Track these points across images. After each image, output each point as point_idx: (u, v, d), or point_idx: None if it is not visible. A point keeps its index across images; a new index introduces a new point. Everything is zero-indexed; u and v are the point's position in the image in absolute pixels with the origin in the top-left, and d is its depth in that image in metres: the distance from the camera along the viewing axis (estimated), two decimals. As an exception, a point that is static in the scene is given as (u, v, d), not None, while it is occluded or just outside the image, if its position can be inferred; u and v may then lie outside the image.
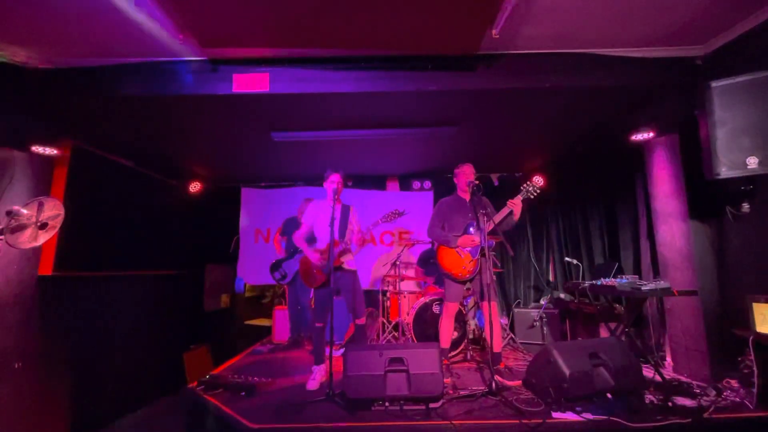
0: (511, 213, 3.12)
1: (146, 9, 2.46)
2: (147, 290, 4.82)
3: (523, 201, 3.14)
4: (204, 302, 5.76)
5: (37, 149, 3.41)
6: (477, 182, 3.18)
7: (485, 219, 3.03)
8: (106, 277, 4.20)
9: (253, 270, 5.59)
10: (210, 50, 2.91)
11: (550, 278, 5.34)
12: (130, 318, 4.50)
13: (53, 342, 3.58)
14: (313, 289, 3.29)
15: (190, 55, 2.97)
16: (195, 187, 5.47)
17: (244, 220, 5.70)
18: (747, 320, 2.65)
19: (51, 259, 3.52)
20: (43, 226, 2.80)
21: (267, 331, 5.21)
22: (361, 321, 3.17)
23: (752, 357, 2.55)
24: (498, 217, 3.11)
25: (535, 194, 3.14)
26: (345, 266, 3.13)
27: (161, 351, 4.96)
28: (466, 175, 3.35)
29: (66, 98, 3.10)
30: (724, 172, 2.51)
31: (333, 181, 3.12)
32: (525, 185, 3.15)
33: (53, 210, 2.85)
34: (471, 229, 3.24)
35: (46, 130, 3.47)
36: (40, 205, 2.79)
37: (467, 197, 3.36)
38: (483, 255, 3.08)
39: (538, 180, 3.16)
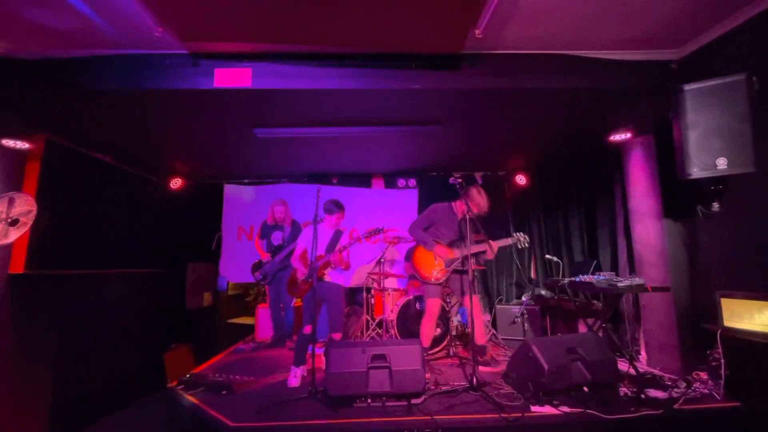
0: (485, 252, 3.24)
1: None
2: (126, 289, 4.70)
3: (501, 203, 3.24)
4: (186, 300, 5.66)
5: (8, 143, 3.28)
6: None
7: (472, 240, 3.10)
8: (82, 275, 4.07)
9: (235, 268, 5.52)
10: (190, 44, 2.86)
11: (532, 275, 5.44)
12: (108, 317, 4.38)
13: (27, 343, 3.46)
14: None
15: (170, 48, 2.90)
16: (176, 183, 5.36)
17: (226, 218, 5.61)
18: (716, 315, 2.76)
19: (23, 257, 3.38)
20: (14, 222, 2.71)
21: (250, 329, 5.15)
22: (337, 336, 3.22)
23: (720, 350, 2.66)
24: (475, 249, 3.20)
25: (524, 246, 3.32)
26: (327, 278, 3.24)
27: (142, 351, 4.86)
28: (477, 205, 3.25)
29: (38, 91, 2.99)
30: (696, 172, 2.61)
31: (339, 217, 3.34)
32: (518, 235, 3.34)
33: (25, 206, 2.77)
34: (457, 246, 3.32)
35: (18, 124, 3.34)
36: (11, 201, 2.70)
37: (459, 214, 3.39)
38: (460, 273, 3.17)
39: (526, 238, 3.33)
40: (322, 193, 3.14)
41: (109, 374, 4.31)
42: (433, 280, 3.29)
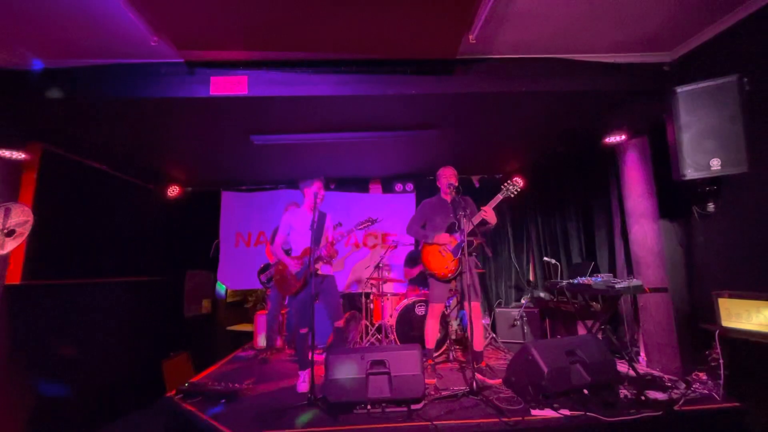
0: (484, 220, 3.18)
1: (119, 10, 2.40)
2: (124, 297, 4.68)
3: (498, 204, 3.20)
4: (184, 308, 5.64)
5: (4, 153, 3.27)
6: (455, 184, 3.22)
7: (465, 220, 3.08)
8: (80, 284, 4.06)
9: (234, 275, 5.51)
10: (186, 52, 2.87)
11: (531, 278, 5.44)
12: (106, 326, 4.36)
13: (23, 353, 3.43)
14: (288, 297, 3.38)
15: (166, 57, 2.91)
16: (173, 191, 5.35)
17: (224, 225, 5.61)
18: (713, 315, 2.77)
19: (19, 268, 3.37)
20: (10, 233, 2.70)
21: (249, 336, 5.13)
22: (340, 323, 3.20)
23: (719, 350, 2.66)
24: (475, 220, 3.17)
25: (515, 193, 3.22)
26: (320, 271, 3.16)
27: (139, 359, 4.82)
28: (446, 178, 3.41)
29: (34, 101, 2.99)
30: (690, 173, 2.62)
31: (316, 187, 3.13)
32: (506, 184, 3.23)
33: (21, 216, 2.76)
34: (455, 230, 3.29)
35: (14, 134, 3.34)
36: (7, 211, 2.70)
37: (449, 199, 3.41)
38: (463, 254, 3.13)
39: (518, 180, 3.24)
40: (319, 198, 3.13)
41: (107, 383, 4.28)
42: (449, 274, 3.26)
